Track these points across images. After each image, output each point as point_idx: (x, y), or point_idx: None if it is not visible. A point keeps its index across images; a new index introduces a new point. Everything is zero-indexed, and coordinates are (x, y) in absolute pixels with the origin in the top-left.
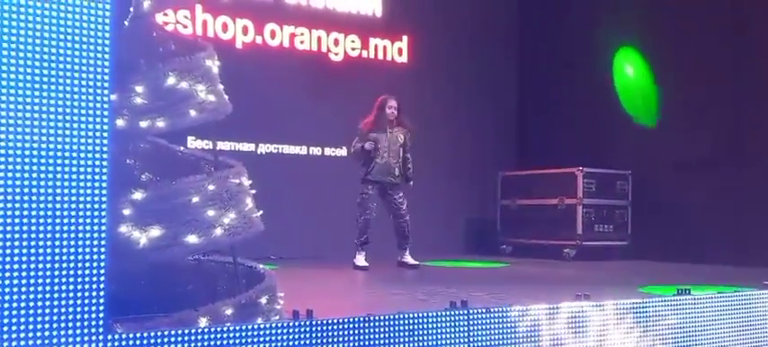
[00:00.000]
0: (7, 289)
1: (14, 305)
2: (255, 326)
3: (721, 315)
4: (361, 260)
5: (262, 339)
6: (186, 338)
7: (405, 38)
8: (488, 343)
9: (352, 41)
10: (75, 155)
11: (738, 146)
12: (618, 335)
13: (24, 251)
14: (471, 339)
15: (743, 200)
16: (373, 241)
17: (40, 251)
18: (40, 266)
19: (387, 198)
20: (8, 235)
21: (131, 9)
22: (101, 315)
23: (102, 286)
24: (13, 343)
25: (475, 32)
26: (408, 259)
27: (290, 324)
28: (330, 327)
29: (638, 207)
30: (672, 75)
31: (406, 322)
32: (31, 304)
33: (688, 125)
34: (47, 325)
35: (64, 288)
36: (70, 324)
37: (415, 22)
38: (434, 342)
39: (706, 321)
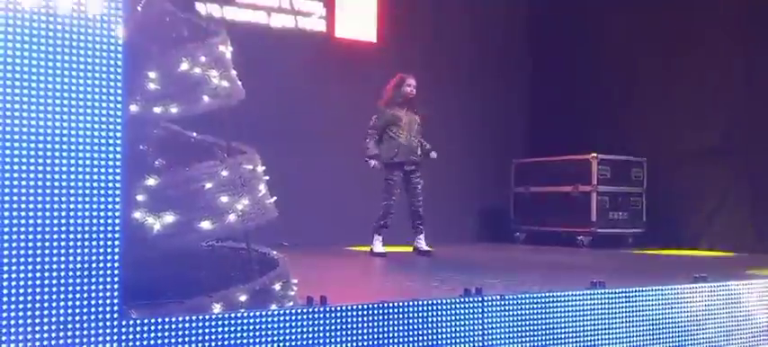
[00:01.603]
0: (22, 275)
1: (30, 290)
2: (270, 313)
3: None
4: (378, 246)
5: (276, 325)
6: (200, 324)
7: None
8: (503, 331)
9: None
10: (89, 140)
11: (752, 133)
12: (630, 322)
13: (38, 237)
14: (485, 326)
15: (758, 188)
16: (389, 226)
17: (55, 237)
18: (55, 252)
19: (407, 178)
20: (22, 221)
21: None
22: (115, 300)
23: (116, 272)
24: (29, 328)
25: (488, 18)
26: (422, 245)
27: (305, 310)
28: (344, 314)
29: (653, 194)
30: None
31: (421, 309)
32: (47, 290)
33: (701, 112)
34: (62, 311)
35: (78, 274)
36: (85, 310)
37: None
38: (449, 330)
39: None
